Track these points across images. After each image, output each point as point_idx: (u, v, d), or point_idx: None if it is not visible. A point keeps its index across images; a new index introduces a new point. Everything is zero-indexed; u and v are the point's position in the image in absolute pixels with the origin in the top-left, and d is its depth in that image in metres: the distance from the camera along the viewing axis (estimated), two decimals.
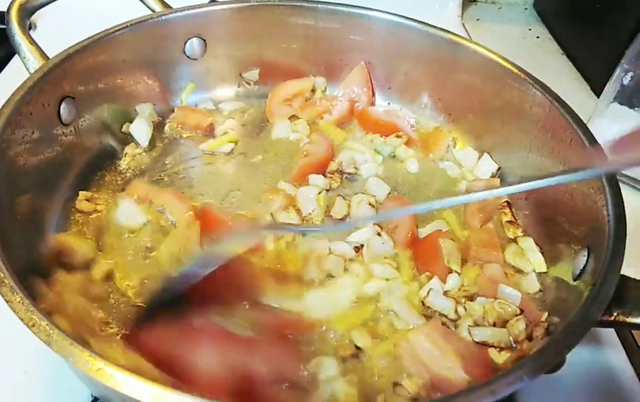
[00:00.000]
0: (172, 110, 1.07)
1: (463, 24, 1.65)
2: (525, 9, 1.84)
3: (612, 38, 1.35)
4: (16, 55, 0.90)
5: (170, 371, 0.59)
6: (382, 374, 0.68)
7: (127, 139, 1.01)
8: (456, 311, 0.74)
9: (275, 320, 0.73)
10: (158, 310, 0.69)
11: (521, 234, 0.87)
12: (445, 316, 0.74)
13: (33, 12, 0.94)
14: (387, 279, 0.79)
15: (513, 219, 0.90)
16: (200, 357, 0.62)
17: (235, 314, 0.71)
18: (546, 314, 0.72)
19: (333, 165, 0.99)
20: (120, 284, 0.77)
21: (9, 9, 0.89)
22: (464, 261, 0.82)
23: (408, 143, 1.05)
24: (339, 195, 0.92)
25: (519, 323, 0.71)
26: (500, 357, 0.70)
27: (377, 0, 1.13)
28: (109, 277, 0.78)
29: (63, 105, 0.86)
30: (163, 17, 1.02)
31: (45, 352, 0.51)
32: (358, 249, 0.83)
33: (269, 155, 1.03)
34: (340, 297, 0.76)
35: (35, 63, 0.86)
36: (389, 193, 0.95)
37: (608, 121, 1.12)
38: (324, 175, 0.96)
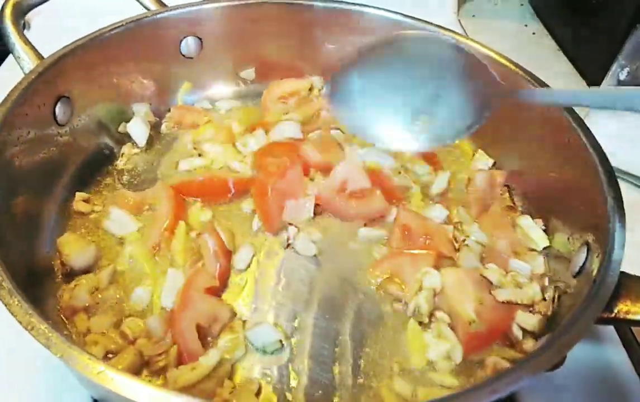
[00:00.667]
0: (169, 110, 1.07)
1: (459, 20, 1.64)
2: (521, 5, 1.84)
3: (608, 33, 1.35)
4: (11, 55, 0.88)
5: None
6: None
7: (123, 139, 1.00)
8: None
9: None
10: None
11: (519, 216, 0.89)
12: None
13: (27, 12, 0.93)
14: None
15: (512, 204, 0.92)
16: None
17: None
18: (547, 280, 0.78)
19: None
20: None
21: (2, 8, 0.89)
22: None
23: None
24: None
25: (532, 284, 0.77)
26: (528, 321, 0.72)
27: None
28: (113, 281, 0.78)
29: (58, 106, 0.86)
30: (158, 16, 1.01)
31: (45, 354, 0.51)
32: None
33: None
34: None
35: (29, 63, 0.85)
36: None
37: (605, 116, 1.12)
38: None
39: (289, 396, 0.67)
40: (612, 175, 0.72)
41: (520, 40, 1.67)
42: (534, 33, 1.70)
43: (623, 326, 0.82)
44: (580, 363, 0.79)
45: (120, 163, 0.96)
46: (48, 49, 0.87)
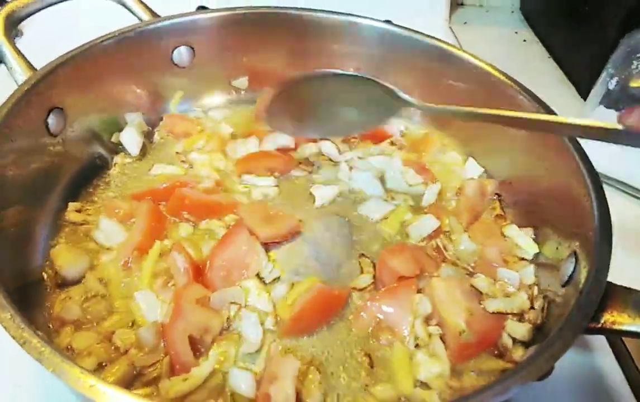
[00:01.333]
0: (161, 119, 1.07)
1: (450, 28, 1.66)
2: (512, 12, 1.86)
3: (598, 41, 1.36)
4: (2, 65, 0.89)
5: None
6: None
7: (116, 148, 1.00)
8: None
9: None
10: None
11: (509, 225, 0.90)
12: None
13: (19, 22, 0.94)
14: None
15: (502, 213, 0.93)
16: None
17: None
18: (537, 289, 0.79)
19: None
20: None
21: None
22: None
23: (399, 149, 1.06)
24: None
25: (521, 293, 0.78)
26: (517, 330, 0.73)
27: (365, 5, 1.13)
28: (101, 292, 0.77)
29: (51, 117, 0.86)
30: (151, 26, 1.02)
31: (37, 366, 0.51)
32: None
33: None
34: None
35: (22, 74, 0.86)
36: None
37: None
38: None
39: None
40: (598, 183, 0.73)
41: (511, 47, 1.69)
42: (524, 40, 1.72)
43: (610, 336, 0.83)
44: (571, 371, 0.80)
45: (113, 172, 0.96)
46: (41, 58, 0.87)
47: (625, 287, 0.62)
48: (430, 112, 1.00)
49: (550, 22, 1.69)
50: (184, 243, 0.82)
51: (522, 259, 0.85)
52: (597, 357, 0.83)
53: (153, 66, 1.05)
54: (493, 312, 0.75)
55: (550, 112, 0.87)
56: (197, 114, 1.12)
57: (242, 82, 1.15)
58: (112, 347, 0.70)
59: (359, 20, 1.08)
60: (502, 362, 0.70)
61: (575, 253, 0.72)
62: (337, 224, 0.90)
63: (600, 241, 0.65)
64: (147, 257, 0.80)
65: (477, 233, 0.88)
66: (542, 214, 0.86)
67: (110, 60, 0.97)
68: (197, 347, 0.70)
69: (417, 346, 0.73)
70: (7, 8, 0.91)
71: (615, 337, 0.83)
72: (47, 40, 1.08)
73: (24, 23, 0.98)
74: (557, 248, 0.80)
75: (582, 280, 0.66)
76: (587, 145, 0.79)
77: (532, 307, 0.75)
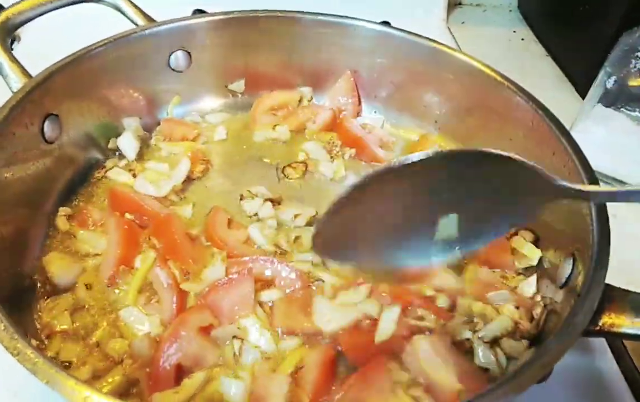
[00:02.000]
0: (158, 123, 1.07)
1: (448, 28, 1.65)
2: (510, 11, 1.86)
3: (596, 40, 1.36)
4: None
5: None
6: None
7: (113, 153, 1.00)
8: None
9: None
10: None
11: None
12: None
13: (15, 29, 0.93)
14: None
15: None
16: None
17: None
18: (539, 296, 0.76)
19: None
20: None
21: None
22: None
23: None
24: None
25: (509, 306, 0.75)
26: (515, 348, 0.70)
27: (362, 6, 1.13)
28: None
29: (47, 123, 0.86)
30: (147, 31, 1.02)
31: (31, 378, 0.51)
32: None
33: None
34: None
35: (17, 81, 0.85)
36: None
37: (593, 123, 1.13)
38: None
39: None
40: (596, 183, 0.73)
41: (509, 47, 1.68)
42: (522, 39, 1.71)
43: (608, 338, 0.82)
44: (569, 371, 0.79)
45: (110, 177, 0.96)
46: (37, 64, 0.87)
47: (624, 290, 0.62)
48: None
49: (549, 21, 1.69)
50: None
51: (520, 273, 0.83)
52: (596, 358, 0.83)
53: (149, 71, 1.05)
54: (488, 342, 0.71)
55: (545, 111, 0.86)
56: (194, 117, 1.11)
57: (239, 85, 1.15)
58: (106, 358, 0.70)
59: (356, 22, 1.08)
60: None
61: (573, 254, 0.72)
62: None
63: (598, 242, 0.65)
64: (135, 274, 0.79)
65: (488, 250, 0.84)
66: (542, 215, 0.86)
67: (106, 66, 0.97)
68: (184, 375, 0.68)
69: None
70: (3, 15, 0.91)
71: (614, 339, 0.83)
72: (42, 46, 1.08)
73: (20, 29, 0.98)
74: (555, 250, 0.79)
75: (580, 282, 0.65)
76: (584, 144, 0.79)
77: (532, 318, 0.73)
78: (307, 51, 1.13)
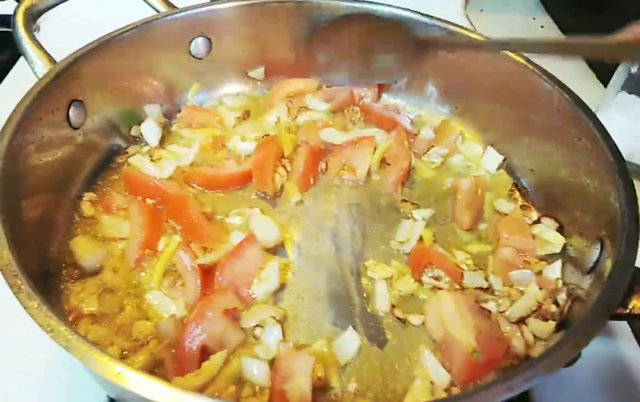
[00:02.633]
0: (179, 110, 1.08)
1: (467, 15, 1.64)
2: None
3: (618, 25, 1.33)
4: (22, 57, 0.89)
5: None
6: None
7: (135, 140, 1.01)
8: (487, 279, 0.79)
9: None
10: None
11: (536, 217, 0.89)
12: (480, 288, 0.77)
13: (38, 16, 0.94)
14: None
15: (525, 203, 0.91)
16: None
17: None
18: (561, 282, 0.76)
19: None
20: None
21: (15, 13, 0.90)
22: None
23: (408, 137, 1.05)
24: None
25: (533, 286, 0.76)
26: (541, 329, 0.71)
27: None
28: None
29: (72, 109, 0.87)
30: (168, 17, 1.02)
31: (60, 354, 0.51)
32: None
33: None
34: None
35: (42, 67, 0.86)
36: None
37: (616, 110, 1.12)
38: None
39: None
40: (624, 169, 0.72)
41: (529, 34, 1.66)
42: (542, 26, 1.69)
43: (636, 321, 0.82)
44: (593, 357, 0.79)
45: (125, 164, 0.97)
46: (58, 52, 0.88)
47: None
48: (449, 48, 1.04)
49: (568, 7, 1.66)
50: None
51: (543, 259, 0.83)
52: (620, 345, 0.82)
53: (170, 58, 1.05)
54: (515, 322, 0.72)
55: (572, 95, 0.85)
56: (214, 103, 1.12)
57: (259, 72, 1.15)
58: (132, 339, 0.71)
59: (378, 8, 1.07)
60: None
61: (600, 240, 0.71)
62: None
63: (627, 224, 0.64)
64: (159, 257, 0.80)
65: (505, 229, 0.86)
66: (566, 200, 0.85)
67: (128, 52, 0.97)
68: (209, 355, 0.69)
69: None
70: (26, 2, 0.92)
71: None
72: (63, 34, 1.08)
73: (40, 18, 0.99)
74: (580, 236, 0.79)
75: (608, 267, 0.65)
76: (612, 130, 0.78)
77: (556, 304, 0.73)
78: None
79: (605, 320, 0.56)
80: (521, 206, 0.91)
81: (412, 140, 1.04)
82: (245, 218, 0.88)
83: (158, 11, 1.03)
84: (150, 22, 0.99)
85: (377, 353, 0.73)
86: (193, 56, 1.08)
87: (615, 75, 1.16)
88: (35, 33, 0.91)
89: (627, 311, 0.59)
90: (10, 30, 0.89)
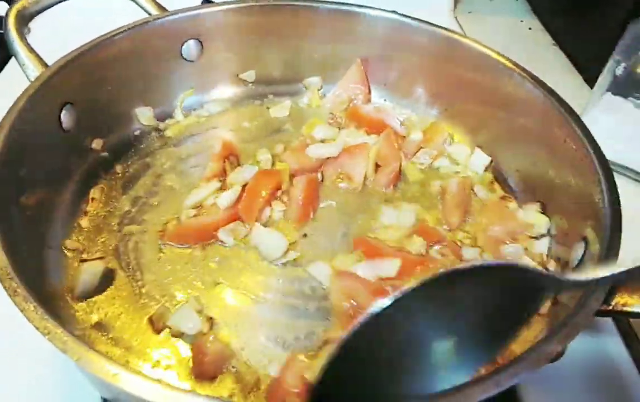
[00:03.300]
0: (171, 113, 1.08)
1: (455, 17, 1.66)
2: (517, 0, 1.86)
3: (604, 28, 1.36)
4: (13, 58, 0.89)
5: None
6: None
7: (127, 143, 1.02)
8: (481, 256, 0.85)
9: None
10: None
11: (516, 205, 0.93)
12: None
13: (31, 19, 0.94)
14: None
15: (505, 194, 0.96)
16: None
17: None
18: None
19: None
20: None
21: (6, 16, 0.90)
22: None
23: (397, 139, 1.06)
24: None
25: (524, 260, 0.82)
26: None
27: None
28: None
29: (63, 112, 0.87)
30: (159, 20, 1.02)
31: (54, 355, 0.52)
32: None
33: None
34: None
35: (33, 70, 0.86)
36: None
37: (602, 112, 1.14)
38: None
39: None
40: (608, 170, 0.74)
41: (517, 36, 1.68)
42: (530, 28, 1.71)
43: (621, 317, 0.84)
44: (578, 353, 0.80)
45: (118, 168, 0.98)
46: (50, 54, 0.88)
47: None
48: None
49: (556, 10, 1.69)
50: None
51: (533, 237, 0.86)
52: (605, 341, 0.84)
53: (162, 60, 1.06)
54: None
55: (556, 97, 0.87)
56: (207, 106, 1.12)
57: (250, 75, 1.16)
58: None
59: (366, 11, 1.08)
60: None
61: (584, 238, 0.73)
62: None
63: (611, 224, 0.66)
64: None
65: (487, 216, 0.90)
66: (550, 200, 0.87)
67: (120, 55, 0.97)
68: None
69: None
70: (18, 4, 0.92)
71: (624, 319, 0.84)
72: (54, 37, 1.08)
73: (31, 22, 0.99)
74: (566, 234, 0.81)
75: (593, 264, 0.67)
76: (593, 132, 0.80)
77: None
78: (317, 40, 1.13)
79: (589, 317, 0.57)
80: (501, 197, 0.95)
81: (400, 142, 1.06)
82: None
83: (149, 14, 1.04)
84: (141, 25, 1.00)
85: None
86: (185, 59, 1.09)
87: (600, 77, 1.19)
88: (26, 35, 0.92)
89: (610, 307, 0.60)
90: (1, 32, 0.90)
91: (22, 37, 0.89)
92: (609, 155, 0.77)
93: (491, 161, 1.02)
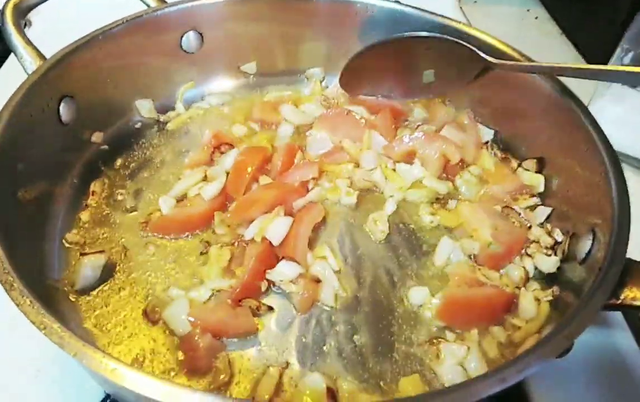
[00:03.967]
0: (172, 105, 1.07)
1: (460, 7, 1.63)
2: None
3: (611, 17, 1.34)
4: (11, 55, 0.89)
5: None
6: None
7: (127, 136, 1.00)
8: None
9: None
10: None
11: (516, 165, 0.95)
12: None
13: (28, 12, 0.94)
14: None
15: (505, 155, 0.97)
16: None
17: None
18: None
19: None
20: None
21: (3, 9, 0.89)
22: None
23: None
24: None
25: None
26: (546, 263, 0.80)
27: None
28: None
29: (62, 105, 0.86)
30: (159, 12, 1.01)
31: (56, 350, 0.51)
32: None
33: None
34: None
35: (32, 63, 0.86)
36: None
37: (609, 101, 1.12)
38: None
39: None
40: (616, 161, 0.72)
41: (523, 25, 1.66)
42: (536, 18, 1.69)
43: (629, 311, 0.82)
44: (588, 347, 0.79)
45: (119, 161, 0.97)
46: (50, 47, 0.87)
47: None
48: (512, 69, 0.90)
49: None
50: None
51: (533, 195, 0.89)
52: (614, 335, 0.82)
53: (162, 53, 1.04)
54: (515, 224, 0.85)
55: (563, 88, 0.85)
56: (207, 98, 1.11)
57: (251, 66, 1.14)
58: None
59: (369, 1, 1.06)
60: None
61: (593, 231, 0.72)
62: None
63: (618, 216, 0.64)
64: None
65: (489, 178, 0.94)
66: (559, 191, 0.86)
67: (119, 47, 0.97)
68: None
69: None
70: None
71: (634, 313, 0.83)
72: (55, 29, 1.08)
73: (31, 13, 0.98)
74: (574, 225, 0.79)
75: (601, 257, 0.65)
76: (600, 122, 0.78)
77: (554, 241, 0.81)
78: (319, 31, 1.12)
79: (597, 311, 0.56)
80: (502, 159, 0.97)
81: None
82: None
83: (148, 6, 1.02)
84: (140, 17, 0.98)
85: None
86: (185, 51, 1.07)
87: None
88: (26, 28, 0.91)
89: (619, 301, 0.59)
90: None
91: (20, 30, 0.89)
92: (616, 145, 0.76)
93: (495, 132, 1.01)
